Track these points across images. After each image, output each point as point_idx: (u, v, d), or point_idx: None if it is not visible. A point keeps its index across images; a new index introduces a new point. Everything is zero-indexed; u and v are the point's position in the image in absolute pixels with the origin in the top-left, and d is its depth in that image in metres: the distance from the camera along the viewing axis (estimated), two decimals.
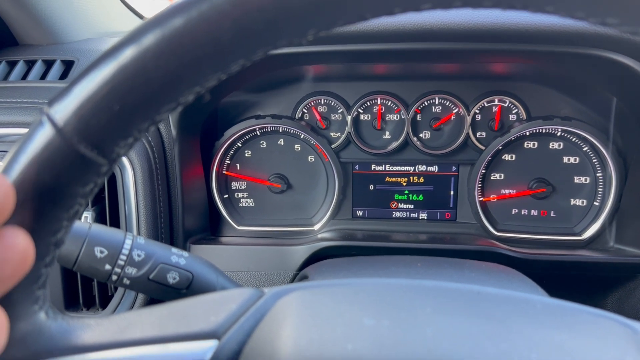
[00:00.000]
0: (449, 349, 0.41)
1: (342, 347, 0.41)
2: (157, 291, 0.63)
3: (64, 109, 0.36)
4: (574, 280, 1.13)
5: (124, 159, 0.99)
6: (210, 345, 0.44)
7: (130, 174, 1.00)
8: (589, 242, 1.15)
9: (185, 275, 0.64)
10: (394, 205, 1.23)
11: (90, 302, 1.08)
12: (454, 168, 1.20)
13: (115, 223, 1.04)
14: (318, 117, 1.18)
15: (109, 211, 1.04)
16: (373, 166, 1.21)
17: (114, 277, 0.62)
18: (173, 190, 1.06)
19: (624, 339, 0.46)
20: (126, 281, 0.62)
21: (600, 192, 1.14)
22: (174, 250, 0.66)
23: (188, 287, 0.64)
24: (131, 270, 0.62)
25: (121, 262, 0.62)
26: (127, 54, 0.35)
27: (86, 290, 1.06)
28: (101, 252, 0.61)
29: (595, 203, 1.15)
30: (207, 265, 0.67)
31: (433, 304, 0.48)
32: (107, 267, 0.61)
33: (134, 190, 1.00)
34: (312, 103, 1.18)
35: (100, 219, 1.04)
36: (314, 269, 0.77)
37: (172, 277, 0.63)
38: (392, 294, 0.50)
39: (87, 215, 1.02)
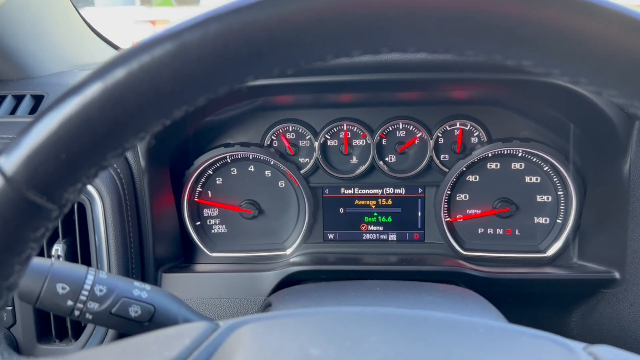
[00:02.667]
0: None
1: None
2: (120, 325, 0.65)
3: (13, 160, 0.38)
4: (540, 297, 1.16)
5: (93, 191, 1.01)
6: None
7: (100, 206, 1.01)
8: (553, 259, 1.18)
9: (147, 308, 0.65)
10: (364, 228, 1.25)
11: (63, 333, 1.09)
12: (420, 190, 1.23)
13: (86, 255, 1.05)
14: (287, 143, 1.21)
15: (79, 243, 1.05)
16: (342, 190, 1.24)
17: (77, 313, 0.63)
18: (143, 220, 1.07)
19: (558, 357, 0.48)
20: (88, 316, 0.63)
21: (562, 210, 1.18)
22: (136, 283, 0.67)
23: (150, 320, 0.65)
24: (93, 305, 0.63)
25: (83, 298, 0.63)
26: (72, 106, 0.37)
27: (58, 322, 1.07)
28: (63, 288, 0.62)
29: (558, 221, 1.18)
30: (169, 297, 0.68)
31: (378, 332, 0.50)
32: (70, 302, 0.63)
33: (103, 222, 1.01)
34: (281, 130, 1.21)
35: (71, 251, 1.05)
36: (277, 297, 0.79)
37: (134, 311, 0.64)
38: (341, 322, 0.52)
39: (58, 248, 1.03)
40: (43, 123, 0.38)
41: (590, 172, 1.12)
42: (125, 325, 0.65)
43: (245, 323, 0.52)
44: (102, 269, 1.03)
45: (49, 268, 0.63)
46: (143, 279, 1.08)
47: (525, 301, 1.17)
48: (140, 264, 1.07)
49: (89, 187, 1.01)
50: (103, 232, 1.02)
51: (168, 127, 1.08)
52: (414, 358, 0.46)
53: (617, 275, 1.03)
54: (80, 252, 1.05)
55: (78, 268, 0.65)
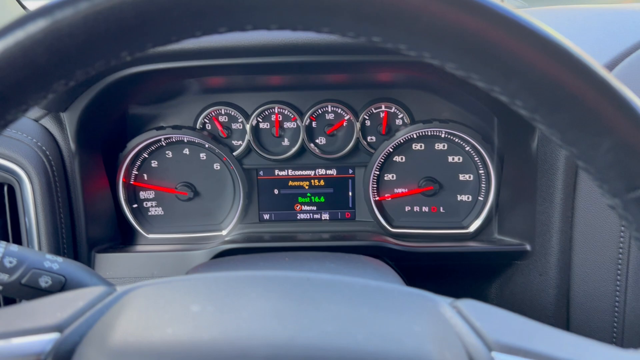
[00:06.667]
0: (257, 327, 0.47)
1: (162, 331, 0.47)
2: (31, 295, 0.67)
3: None
4: (462, 270, 1.23)
5: (22, 174, 1.02)
6: (51, 337, 0.48)
7: (29, 188, 1.03)
8: (475, 234, 1.25)
9: (58, 279, 0.68)
10: (298, 208, 1.30)
11: None
12: (350, 171, 1.28)
13: (17, 235, 1.06)
14: (219, 126, 1.24)
15: (10, 224, 1.06)
16: (276, 171, 1.28)
17: None
18: (75, 202, 1.09)
19: (425, 310, 0.53)
20: None
21: (483, 188, 1.24)
22: (48, 256, 0.70)
23: (61, 290, 0.68)
24: (3, 277, 0.66)
25: None
26: None
27: None
28: None
29: (479, 198, 1.25)
30: (82, 268, 0.71)
31: (259, 290, 0.54)
32: None
33: (32, 203, 1.03)
34: (213, 113, 1.24)
35: (2, 232, 1.06)
36: (193, 270, 0.83)
37: (45, 282, 0.67)
38: (227, 284, 0.56)
39: None
40: None
41: (507, 151, 1.18)
42: (37, 296, 0.67)
43: (139, 287, 0.56)
44: (32, 248, 1.04)
45: None
46: (76, 258, 1.11)
47: (449, 274, 1.24)
48: (72, 244, 1.10)
49: (18, 169, 1.02)
50: (33, 213, 1.03)
51: (97, 111, 1.09)
52: (286, 311, 0.50)
53: (528, 247, 1.10)
54: (11, 234, 1.06)
55: None
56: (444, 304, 0.54)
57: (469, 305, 0.54)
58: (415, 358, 0.45)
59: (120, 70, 1.00)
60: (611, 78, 0.40)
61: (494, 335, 0.49)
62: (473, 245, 1.17)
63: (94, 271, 0.73)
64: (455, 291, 1.23)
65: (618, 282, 0.97)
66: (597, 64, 0.40)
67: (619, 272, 0.96)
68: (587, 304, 1.02)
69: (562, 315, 1.06)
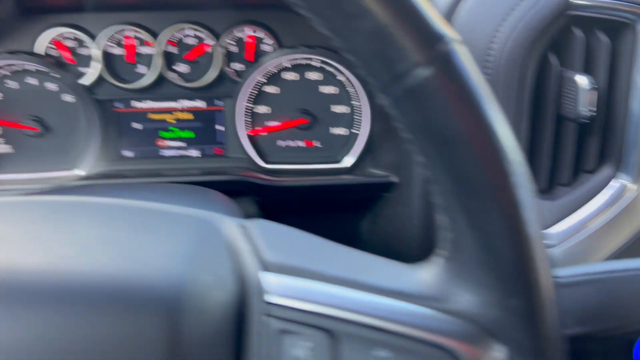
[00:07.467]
0: None
1: None
2: None
3: None
4: (334, 206, 1.19)
5: None
6: None
7: None
8: (351, 169, 1.20)
9: None
10: (162, 144, 1.20)
11: None
12: (220, 103, 1.19)
13: None
14: (66, 51, 1.11)
15: None
16: (134, 103, 1.17)
17: None
18: None
19: (202, 232, 0.47)
20: None
21: (357, 121, 1.19)
22: None
23: None
24: None
25: None
26: None
27: None
28: None
29: (353, 131, 1.20)
30: None
31: (9, 216, 0.47)
32: None
33: None
34: (57, 37, 1.10)
35: None
36: None
37: None
38: None
39: None
40: None
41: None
42: None
43: None
44: None
45: None
46: None
47: (322, 211, 1.20)
48: None
49: None
50: None
51: None
52: (20, 236, 0.43)
53: (394, 179, 1.07)
54: None
55: None
56: (232, 225, 0.49)
57: (258, 225, 0.49)
58: (161, 277, 0.40)
59: None
60: None
61: (272, 255, 0.45)
62: (341, 177, 1.13)
63: None
64: (327, 227, 1.20)
65: None
66: None
67: None
68: None
69: (427, 245, 1.05)
